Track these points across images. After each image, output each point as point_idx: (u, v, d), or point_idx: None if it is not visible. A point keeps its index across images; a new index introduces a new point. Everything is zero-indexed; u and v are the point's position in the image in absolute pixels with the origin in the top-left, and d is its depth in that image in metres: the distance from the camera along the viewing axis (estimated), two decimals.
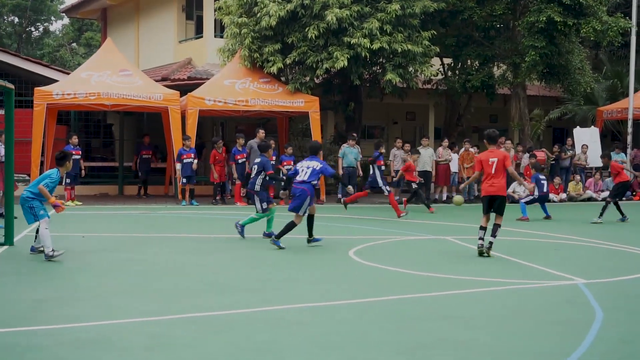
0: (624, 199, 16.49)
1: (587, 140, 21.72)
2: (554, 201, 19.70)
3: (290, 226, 10.62)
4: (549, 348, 5.63)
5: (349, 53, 18.28)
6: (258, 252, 10.39)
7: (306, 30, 18.53)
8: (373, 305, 7.13)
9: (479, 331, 6.14)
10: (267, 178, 11.99)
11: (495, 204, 9.99)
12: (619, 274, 8.86)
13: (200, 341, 5.61)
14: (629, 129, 22.17)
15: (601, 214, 14.45)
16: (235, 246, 10.99)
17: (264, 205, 11.60)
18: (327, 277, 8.70)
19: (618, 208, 14.86)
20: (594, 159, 21.56)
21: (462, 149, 20.13)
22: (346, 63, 18.24)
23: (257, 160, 12.14)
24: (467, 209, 16.56)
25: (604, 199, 17.05)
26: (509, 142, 20.71)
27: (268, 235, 11.49)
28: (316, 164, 10.85)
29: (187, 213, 16.19)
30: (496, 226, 10.00)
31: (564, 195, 20.06)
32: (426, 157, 19.03)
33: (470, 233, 11.64)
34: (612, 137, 26.18)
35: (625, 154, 21.99)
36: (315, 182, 10.84)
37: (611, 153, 21.83)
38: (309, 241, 11.00)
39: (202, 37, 25.57)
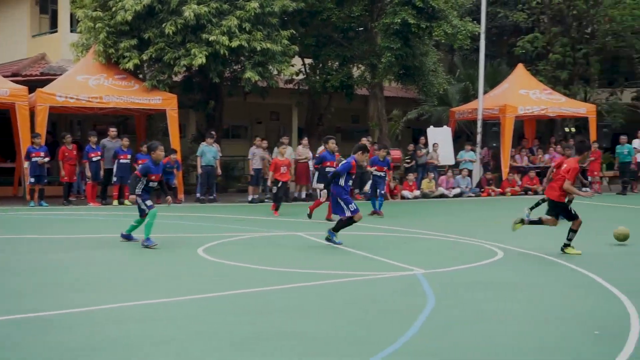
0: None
1: (439, 140, 22.60)
2: (408, 198, 20.40)
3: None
4: (378, 335, 5.79)
5: (207, 50, 18.06)
6: (102, 252, 10.07)
7: (163, 26, 18.15)
8: (216, 300, 7.10)
9: (316, 322, 6.23)
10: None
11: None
12: (457, 263, 9.27)
13: (31, 342, 5.40)
14: (479, 129, 23.30)
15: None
16: (81, 246, 10.59)
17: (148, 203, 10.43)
18: (173, 274, 8.56)
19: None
20: (446, 157, 22.50)
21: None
22: (204, 60, 17.99)
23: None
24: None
25: (456, 196, 17.67)
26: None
27: (126, 236, 10.87)
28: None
29: (35, 215, 15.42)
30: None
31: (417, 192, 20.77)
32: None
33: (322, 229, 11.80)
34: (467, 137, 27.40)
35: (475, 153, 23.09)
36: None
37: (461, 152, 22.97)
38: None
39: (56, 31, 24.51)
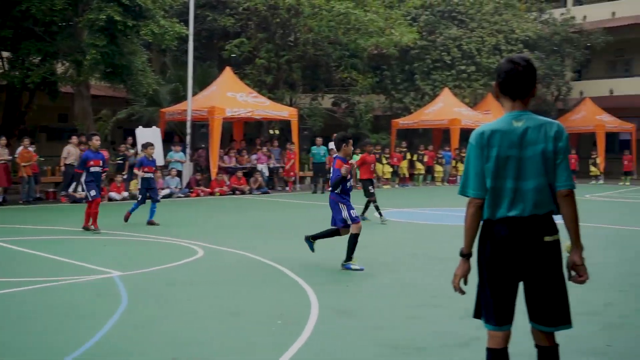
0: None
1: (148, 140, 22.34)
2: (116, 199, 19.92)
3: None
4: (70, 340, 5.61)
5: None
6: None
7: None
8: None
9: (10, 332, 5.87)
10: None
11: None
12: (155, 264, 9.28)
13: None
14: (188, 130, 23.51)
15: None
16: None
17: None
18: None
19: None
20: (155, 157, 22.27)
21: (21, 147, 19.16)
22: None
23: None
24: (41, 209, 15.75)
25: (165, 197, 17.62)
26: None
27: None
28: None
29: None
30: None
31: (126, 194, 20.38)
32: None
33: (21, 234, 11.09)
34: (180, 137, 27.41)
35: (185, 154, 23.27)
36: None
37: (170, 152, 23.00)
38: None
39: None
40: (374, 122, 32.70)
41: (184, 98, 26.12)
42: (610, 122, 33.44)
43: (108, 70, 21.52)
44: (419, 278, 8.57)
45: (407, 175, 29.35)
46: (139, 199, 14.20)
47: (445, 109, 30.21)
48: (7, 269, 8.96)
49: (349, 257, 9.09)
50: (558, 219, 3.73)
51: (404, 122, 31.55)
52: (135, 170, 14.82)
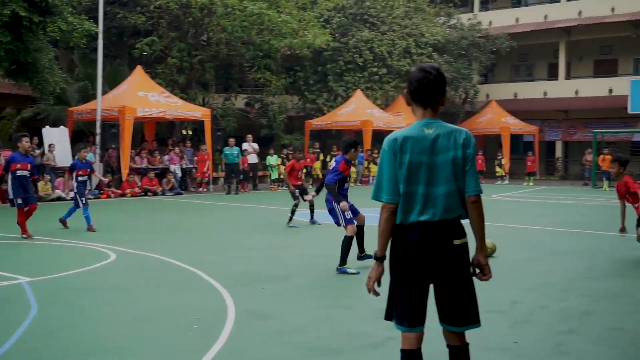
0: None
1: (56, 140, 21.76)
2: None
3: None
4: None
5: None
6: None
7: None
8: None
9: None
10: None
11: None
12: (66, 269, 9.05)
13: None
14: (98, 130, 22.94)
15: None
16: None
17: None
18: None
19: None
20: (63, 158, 21.71)
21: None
22: None
23: None
24: None
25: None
26: None
27: None
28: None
29: None
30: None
31: None
32: None
33: None
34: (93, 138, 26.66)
35: (95, 154, 22.70)
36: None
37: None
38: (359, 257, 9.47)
39: None
40: (287, 123, 32.82)
41: (93, 97, 25.48)
42: (514, 124, 34.72)
43: (12, 67, 20.75)
44: (331, 279, 8.67)
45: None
46: (81, 202, 13.38)
47: (357, 110, 30.63)
48: None
49: (344, 260, 8.94)
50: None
51: (317, 123, 31.79)
52: (67, 175, 14.51)
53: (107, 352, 5.49)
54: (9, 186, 12.38)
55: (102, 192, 21.73)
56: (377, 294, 3.98)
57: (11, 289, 7.82)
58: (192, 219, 16.26)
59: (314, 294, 7.84)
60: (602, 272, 9.17)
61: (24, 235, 12.10)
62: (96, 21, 22.56)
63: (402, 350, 3.92)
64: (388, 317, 4.02)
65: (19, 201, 12.26)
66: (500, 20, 39.42)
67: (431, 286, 3.90)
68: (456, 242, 3.82)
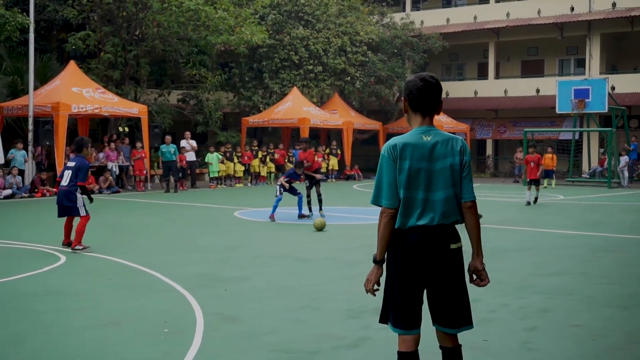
0: None
1: None
2: None
3: None
4: None
5: None
6: None
7: None
8: None
9: None
10: None
11: None
12: (14, 272, 8.76)
13: None
14: (30, 126, 22.25)
15: None
16: None
17: None
18: None
19: None
20: None
21: None
22: None
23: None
24: None
25: (7, 197, 16.59)
26: None
27: None
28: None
29: None
30: None
31: None
32: None
33: None
34: (18, 134, 25.79)
35: (27, 151, 22.03)
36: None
37: (12, 149, 21.69)
38: None
39: None
40: (222, 120, 32.55)
41: (22, 92, 24.72)
42: (447, 122, 35.38)
43: None
44: (292, 280, 8.68)
45: (260, 173, 29.54)
46: None
47: (294, 107, 30.65)
48: None
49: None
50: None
51: (253, 120, 31.66)
52: None
53: (74, 356, 5.36)
54: None
55: (37, 190, 21.07)
56: (374, 294, 4.04)
57: None
58: (135, 218, 15.98)
59: (277, 295, 7.83)
60: (550, 269, 9.48)
61: None
62: (27, 14, 21.82)
63: (400, 353, 3.99)
64: (383, 320, 4.08)
65: None
66: (431, 20, 40.13)
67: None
68: (452, 246, 3.92)
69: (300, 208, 15.28)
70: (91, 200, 11.19)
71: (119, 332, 6.14)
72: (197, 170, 27.49)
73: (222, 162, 27.29)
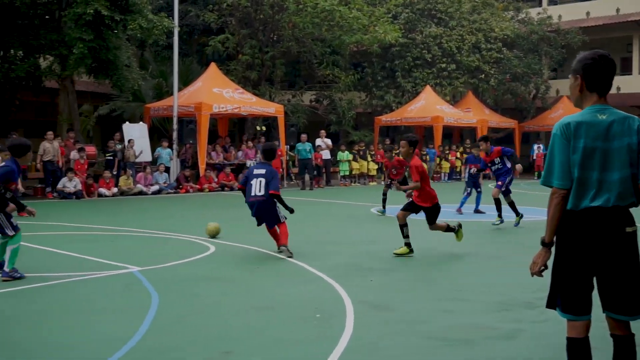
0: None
1: (135, 136, 22.22)
2: (106, 195, 19.73)
3: None
4: (109, 336, 5.55)
5: None
6: None
7: None
8: None
9: (32, 330, 5.79)
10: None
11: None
12: (172, 259, 9.22)
13: None
14: (175, 126, 23.35)
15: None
16: None
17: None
18: None
19: None
20: (143, 154, 22.15)
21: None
22: None
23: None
24: None
25: (154, 193, 17.49)
26: None
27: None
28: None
29: None
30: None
31: (115, 190, 20.19)
32: None
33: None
34: (163, 133, 27.18)
35: (172, 150, 23.12)
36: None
37: (158, 148, 22.85)
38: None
39: None
40: (354, 119, 32.81)
41: (167, 94, 25.96)
42: None
43: (94, 64, 21.24)
44: (435, 273, 8.63)
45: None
46: None
47: (427, 106, 30.40)
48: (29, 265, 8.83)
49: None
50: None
51: (386, 119, 31.68)
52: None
53: (236, 336, 5.58)
54: None
55: (181, 186, 22.09)
56: (541, 276, 3.93)
57: (127, 277, 8.02)
58: None
59: (422, 286, 7.80)
60: None
61: None
62: (171, 19, 22.93)
63: (570, 339, 3.86)
64: (550, 304, 3.96)
65: None
66: (570, 14, 38.55)
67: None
68: (628, 229, 3.75)
69: (477, 204, 15.52)
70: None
71: (274, 316, 6.33)
72: (331, 169, 27.84)
73: (355, 160, 27.49)
